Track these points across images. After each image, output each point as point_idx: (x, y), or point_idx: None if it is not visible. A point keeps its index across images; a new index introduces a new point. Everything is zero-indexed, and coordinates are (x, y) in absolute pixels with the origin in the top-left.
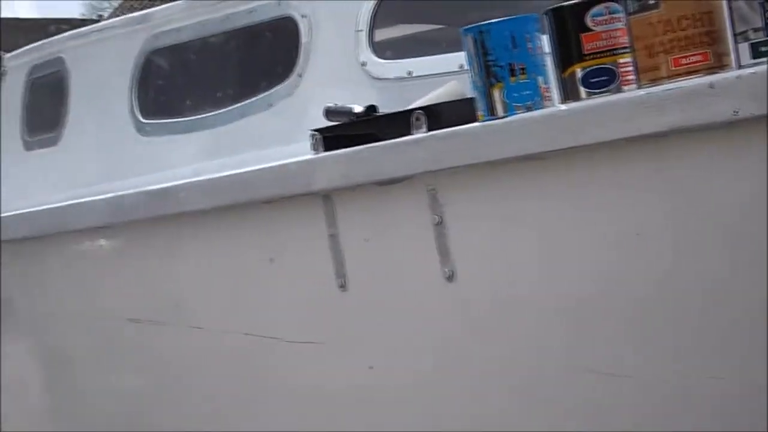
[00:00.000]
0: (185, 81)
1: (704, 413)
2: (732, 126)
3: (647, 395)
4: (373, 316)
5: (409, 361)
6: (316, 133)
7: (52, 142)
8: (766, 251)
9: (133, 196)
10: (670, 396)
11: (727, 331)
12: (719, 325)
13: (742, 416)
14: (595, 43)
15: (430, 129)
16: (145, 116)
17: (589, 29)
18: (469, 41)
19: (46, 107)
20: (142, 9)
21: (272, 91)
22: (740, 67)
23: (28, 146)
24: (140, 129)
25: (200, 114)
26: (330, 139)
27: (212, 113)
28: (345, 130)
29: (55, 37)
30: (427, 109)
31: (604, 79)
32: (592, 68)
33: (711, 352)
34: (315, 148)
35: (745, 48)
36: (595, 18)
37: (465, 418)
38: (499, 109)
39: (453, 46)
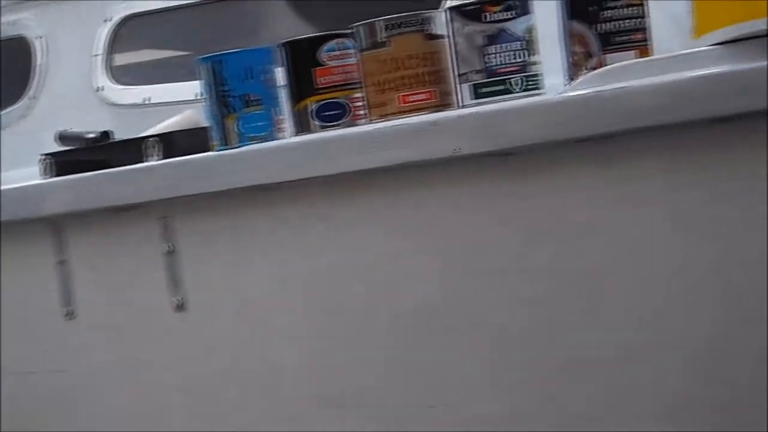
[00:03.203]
0: None
1: None
2: (452, 162)
3: None
4: (104, 345)
5: (139, 390)
6: (47, 157)
7: None
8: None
9: None
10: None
11: None
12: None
13: None
14: (327, 77)
15: (164, 157)
16: None
17: (322, 63)
18: (204, 71)
19: None
20: None
21: (4, 112)
22: (462, 106)
23: None
24: None
25: None
26: (62, 164)
27: None
28: (77, 156)
29: None
30: (162, 137)
31: (335, 113)
32: (324, 102)
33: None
34: (45, 173)
35: (466, 89)
36: (328, 53)
37: None
38: (233, 139)
39: (192, 74)
